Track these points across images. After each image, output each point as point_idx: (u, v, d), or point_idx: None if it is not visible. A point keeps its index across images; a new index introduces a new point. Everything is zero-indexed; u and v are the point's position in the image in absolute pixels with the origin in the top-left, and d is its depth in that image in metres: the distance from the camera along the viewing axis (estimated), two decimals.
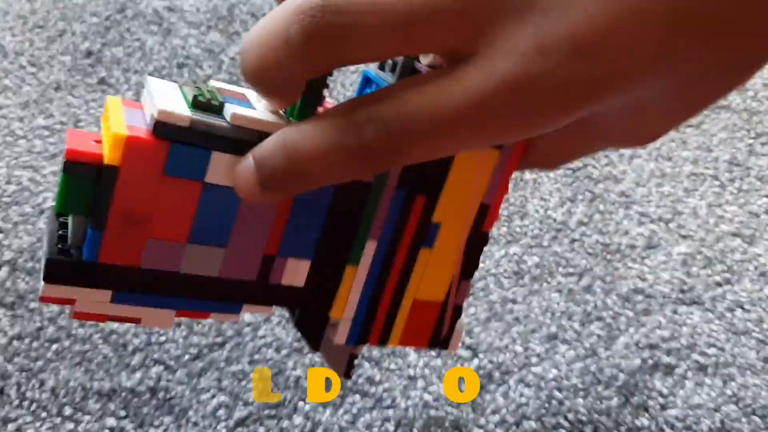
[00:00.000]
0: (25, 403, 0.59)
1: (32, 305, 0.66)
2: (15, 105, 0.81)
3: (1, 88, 0.83)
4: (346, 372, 0.28)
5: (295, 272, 0.25)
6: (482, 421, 0.61)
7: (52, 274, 0.22)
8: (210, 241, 0.23)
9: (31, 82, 0.84)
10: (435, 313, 0.27)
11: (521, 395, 0.63)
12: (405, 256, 0.26)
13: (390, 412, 0.60)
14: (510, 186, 0.79)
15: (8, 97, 0.82)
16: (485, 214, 0.27)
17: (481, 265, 0.72)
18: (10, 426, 0.58)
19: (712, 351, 0.69)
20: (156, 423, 0.58)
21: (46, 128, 0.80)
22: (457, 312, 0.29)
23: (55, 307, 0.65)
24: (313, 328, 0.26)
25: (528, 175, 0.78)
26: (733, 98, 0.99)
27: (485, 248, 0.75)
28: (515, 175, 0.79)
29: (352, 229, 0.26)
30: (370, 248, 0.25)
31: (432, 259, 0.26)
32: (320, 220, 0.25)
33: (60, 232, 0.23)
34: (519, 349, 0.67)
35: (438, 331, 0.28)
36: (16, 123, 0.79)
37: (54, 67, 0.85)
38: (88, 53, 0.87)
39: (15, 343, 0.63)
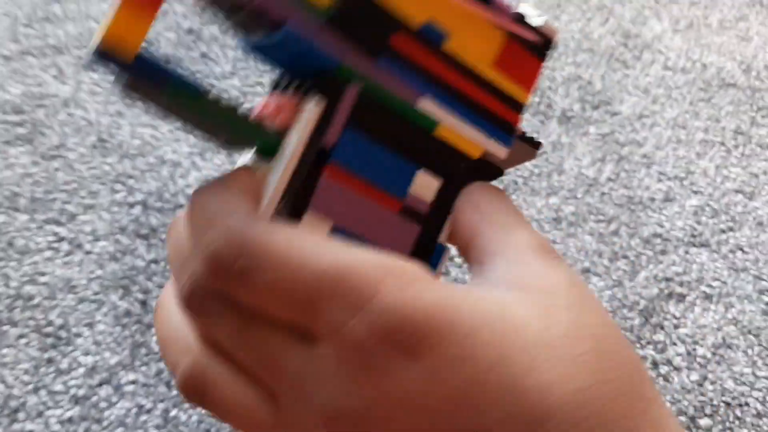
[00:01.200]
0: None
1: (163, 236, 0.80)
2: None
3: None
4: None
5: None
6: None
7: None
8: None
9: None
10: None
11: None
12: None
13: None
14: (549, 147, 0.93)
15: None
16: None
17: (525, 212, 0.86)
18: (154, 331, 0.73)
19: (716, 284, 0.83)
20: None
21: None
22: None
23: None
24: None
25: (564, 138, 0.92)
26: (739, 77, 1.12)
27: (528, 198, 0.88)
28: (553, 137, 0.92)
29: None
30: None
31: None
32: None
33: None
34: None
35: None
36: None
37: (161, 42, 0.99)
38: (190, 30, 1.00)
39: (152, 266, 0.77)
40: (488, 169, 0.25)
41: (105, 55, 0.18)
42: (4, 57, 0.92)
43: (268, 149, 0.22)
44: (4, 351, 0.70)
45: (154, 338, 0.72)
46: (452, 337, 0.19)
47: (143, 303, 0.74)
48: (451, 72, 0.23)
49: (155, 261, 0.77)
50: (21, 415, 0.67)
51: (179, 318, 0.22)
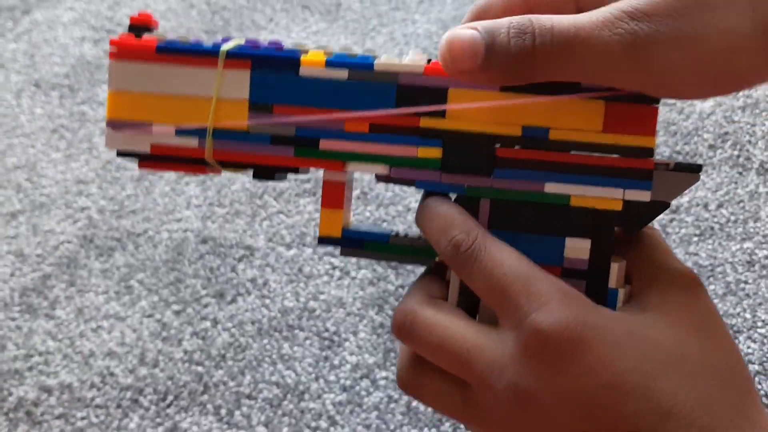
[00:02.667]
0: None
1: (408, 268, 1.01)
2: None
3: None
4: None
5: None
6: None
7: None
8: None
9: None
10: None
11: (748, 348, 0.86)
12: None
13: None
14: (746, 197, 1.01)
15: None
16: None
17: (719, 255, 0.95)
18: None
19: None
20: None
21: None
22: None
23: (422, 269, 1.00)
24: None
25: (762, 188, 0.99)
26: None
27: (723, 243, 0.97)
28: (751, 187, 1.00)
29: None
30: None
31: None
32: None
33: None
34: (748, 316, 0.89)
35: None
36: None
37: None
38: None
39: (400, 290, 0.98)
40: (655, 206, 0.26)
41: (323, 239, 0.30)
42: None
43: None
44: (295, 348, 0.94)
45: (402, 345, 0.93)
46: (603, 347, 0.24)
47: None
48: (563, 155, 0.26)
49: (402, 286, 0.99)
50: (306, 396, 0.91)
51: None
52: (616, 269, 0.27)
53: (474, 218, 0.27)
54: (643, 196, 0.26)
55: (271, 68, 0.27)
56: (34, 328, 0.96)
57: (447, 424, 0.86)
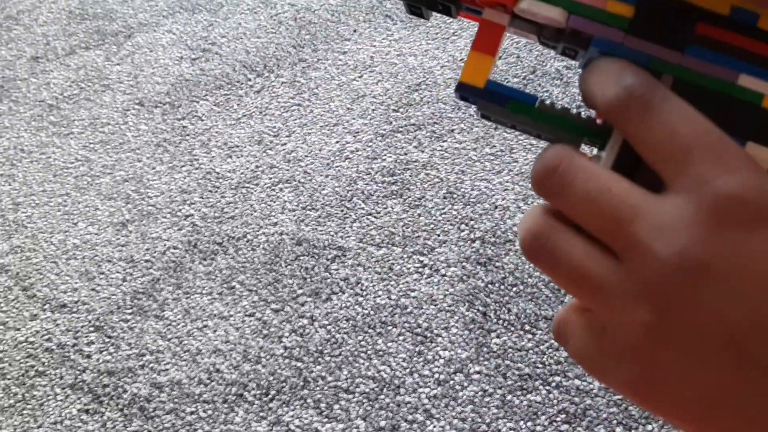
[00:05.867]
0: (500, 322, 0.92)
1: (497, 264, 1.00)
2: (468, 140, 1.18)
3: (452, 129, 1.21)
4: None
5: None
6: None
7: None
8: None
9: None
10: None
11: None
12: None
13: None
14: None
15: (458, 135, 1.19)
16: None
17: None
18: (493, 335, 0.92)
19: None
20: None
21: (492, 154, 1.15)
22: None
23: (511, 265, 0.98)
24: None
25: None
26: None
27: None
28: None
29: None
30: None
31: None
32: None
33: None
34: None
35: None
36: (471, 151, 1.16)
37: (509, 82, 1.22)
38: (533, 70, 1.22)
39: (489, 286, 0.98)
40: None
41: (464, 86, 0.24)
42: (381, 135, 1.22)
43: (599, 142, 0.23)
44: (389, 344, 0.95)
45: (494, 340, 0.92)
46: None
47: (484, 314, 0.95)
48: (763, 47, 0.22)
49: (492, 282, 0.98)
50: (401, 390, 0.91)
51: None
52: None
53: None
54: None
55: None
56: (145, 328, 1.00)
57: (543, 417, 0.85)
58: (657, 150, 0.21)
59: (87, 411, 0.93)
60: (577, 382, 0.87)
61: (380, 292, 0.99)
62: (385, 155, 1.18)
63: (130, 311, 1.02)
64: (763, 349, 0.20)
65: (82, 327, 1.00)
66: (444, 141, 1.18)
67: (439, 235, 1.05)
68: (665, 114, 0.21)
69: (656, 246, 0.20)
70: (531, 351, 0.90)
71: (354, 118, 1.26)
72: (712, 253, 0.20)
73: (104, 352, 0.97)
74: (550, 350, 0.89)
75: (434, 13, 1.45)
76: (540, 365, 0.88)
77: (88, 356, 0.97)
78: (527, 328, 0.92)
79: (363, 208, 1.11)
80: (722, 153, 0.21)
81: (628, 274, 0.21)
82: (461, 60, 1.34)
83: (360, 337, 0.95)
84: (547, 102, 0.24)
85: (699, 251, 0.20)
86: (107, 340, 0.99)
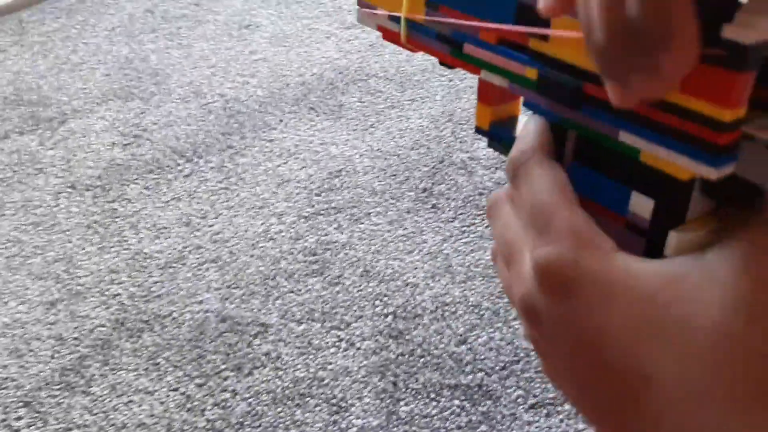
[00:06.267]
0: (408, 391, 1.01)
1: (407, 337, 1.09)
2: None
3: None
4: None
5: None
6: None
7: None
8: None
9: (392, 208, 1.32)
10: None
11: None
12: None
13: None
14: None
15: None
16: None
17: None
18: (401, 403, 1.00)
19: None
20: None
21: (405, 237, 1.26)
22: None
23: (420, 337, 1.07)
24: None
25: None
26: None
27: None
28: None
29: None
30: None
31: None
32: None
33: None
34: None
35: None
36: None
37: (405, 198, 1.33)
38: (424, 189, 1.34)
39: (400, 358, 1.06)
40: (743, 186, 0.22)
41: (478, 130, 0.30)
42: (304, 217, 1.32)
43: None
44: (307, 414, 1.01)
45: (403, 407, 1.00)
46: (593, 292, 0.22)
47: (394, 384, 1.03)
48: (642, 107, 0.23)
49: (402, 354, 1.06)
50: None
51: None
52: (674, 239, 0.23)
53: (545, 140, 0.26)
54: (709, 173, 0.22)
55: None
56: (72, 404, 1.03)
57: None
58: (519, 210, 0.26)
59: None
60: None
61: (299, 366, 1.07)
62: (308, 236, 1.27)
63: (58, 387, 1.06)
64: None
65: (11, 402, 1.03)
66: (362, 223, 1.28)
67: (355, 311, 1.13)
68: (521, 187, 0.26)
69: (514, 285, 0.26)
70: (435, 417, 0.98)
71: (279, 201, 1.35)
72: (540, 308, 0.24)
73: (32, 427, 1.00)
74: (452, 416, 0.98)
75: (356, 107, 1.57)
76: (443, 430, 0.97)
77: (17, 431, 1.00)
78: (432, 395, 1.00)
79: (285, 286, 1.19)
80: (548, 224, 0.24)
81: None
82: (378, 150, 1.46)
83: (279, 409, 1.01)
84: None
85: (533, 303, 0.25)
86: (36, 415, 1.02)
